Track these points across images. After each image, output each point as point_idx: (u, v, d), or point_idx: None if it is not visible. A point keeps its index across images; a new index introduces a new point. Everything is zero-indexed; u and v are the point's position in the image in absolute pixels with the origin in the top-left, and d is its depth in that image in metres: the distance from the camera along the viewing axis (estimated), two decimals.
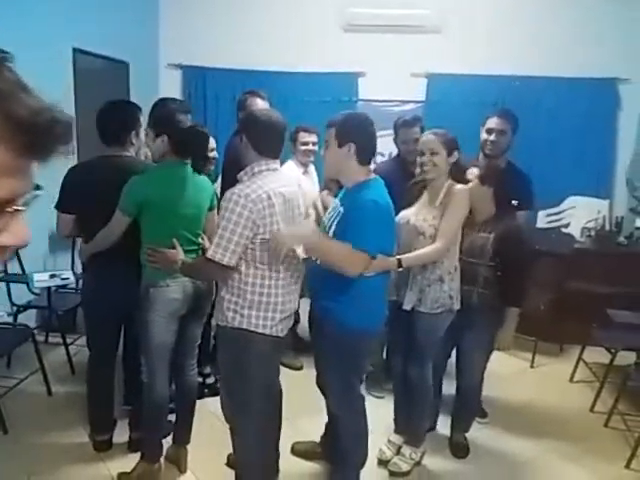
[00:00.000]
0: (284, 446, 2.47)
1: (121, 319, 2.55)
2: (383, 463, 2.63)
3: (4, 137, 0.55)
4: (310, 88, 4.93)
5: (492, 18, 4.74)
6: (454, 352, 2.75)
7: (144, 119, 2.46)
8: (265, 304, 1.99)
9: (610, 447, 2.86)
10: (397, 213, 2.37)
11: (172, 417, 2.58)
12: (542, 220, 4.56)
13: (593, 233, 4.29)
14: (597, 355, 3.50)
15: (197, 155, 2.32)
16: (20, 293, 3.45)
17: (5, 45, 3.28)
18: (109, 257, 2.36)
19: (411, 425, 2.64)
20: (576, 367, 3.58)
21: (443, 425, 2.91)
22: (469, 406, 2.80)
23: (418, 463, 2.64)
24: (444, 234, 2.30)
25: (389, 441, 2.71)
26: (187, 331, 2.45)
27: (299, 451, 2.68)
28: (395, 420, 2.76)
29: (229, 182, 2.23)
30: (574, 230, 4.36)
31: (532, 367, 3.80)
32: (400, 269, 2.27)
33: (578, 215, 4.43)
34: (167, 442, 2.57)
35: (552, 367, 3.81)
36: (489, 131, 2.99)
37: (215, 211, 2.41)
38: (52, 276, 3.26)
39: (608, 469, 2.69)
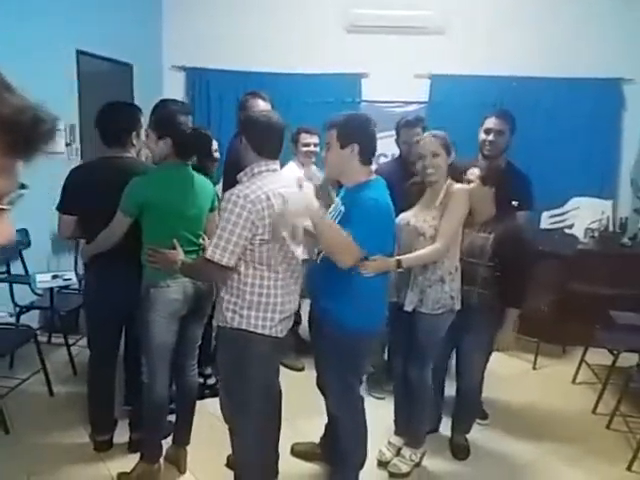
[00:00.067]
0: (284, 447, 2.47)
1: (122, 319, 2.55)
2: (383, 464, 2.63)
3: None
4: (313, 89, 4.94)
5: (495, 19, 4.73)
6: (454, 353, 2.74)
7: (144, 120, 2.47)
8: (264, 304, 1.99)
9: (612, 449, 2.84)
10: (398, 214, 2.37)
11: (172, 418, 2.59)
12: (546, 221, 4.56)
13: (597, 234, 4.27)
14: (600, 357, 3.48)
15: (202, 156, 2.33)
16: (23, 294, 3.46)
17: (9, 48, 3.31)
18: (110, 258, 2.37)
19: (411, 426, 2.63)
20: (578, 369, 3.56)
21: (444, 426, 2.90)
22: (469, 407, 2.79)
23: (418, 464, 2.63)
24: (443, 234, 2.30)
25: (389, 442, 2.71)
26: (188, 332, 2.46)
27: (299, 452, 2.68)
28: (395, 421, 2.75)
29: (230, 183, 2.24)
30: (578, 231, 4.34)
31: (534, 369, 3.79)
32: (400, 270, 2.27)
33: (582, 216, 4.42)
34: (167, 442, 2.57)
35: (554, 369, 3.79)
36: (487, 131, 2.99)
37: (216, 212, 2.42)
38: (54, 277, 3.28)
39: (610, 471, 2.67)
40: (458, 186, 2.38)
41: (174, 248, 2.15)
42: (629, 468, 2.67)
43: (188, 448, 2.58)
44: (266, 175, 1.99)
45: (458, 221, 2.34)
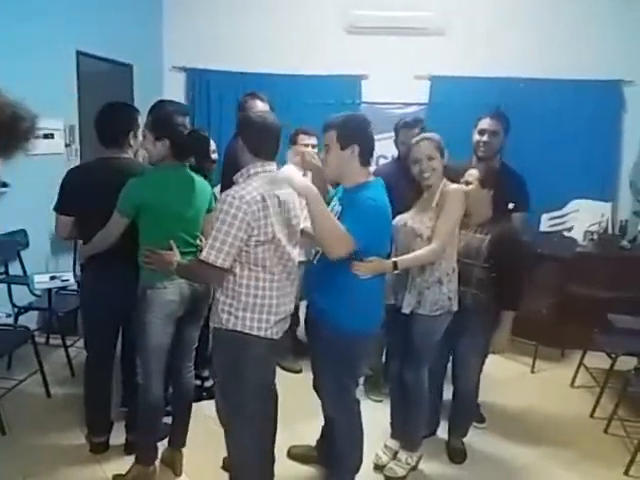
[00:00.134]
0: (280, 450, 2.45)
1: (119, 321, 2.55)
2: (379, 468, 2.62)
3: None
4: (313, 91, 4.94)
5: (495, 20, 4.73)
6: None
7: (142, 121, 2.47)
8: (260, 306, 1.99)
9: (609, 453, 2.83)
10: (397, 214, 2.37)
11: (168, 420, 2.59)
12: (545, 223, 4.55)
13: (596, 237, 4.26)
14: (599, 360, 3.47)
15: (200, 158, 2.34)
16: (22, 294, 3.46)
17: (9, 48, 3.32)
18: (107, 259, 2.37)
19: (407, 430, 2.62)
20: (577, 372, 3.55)
21: (441, 430, 2.89)
22: (466, 410, 2.78)
23: (414, 468, 2.62)
24: (439, 235, 2.29)
25: (385, 446, 2.70)
26: (184, 333, 2.46)
27: (295, 455, 2.67)
28: (392, 424, 2.74)
29: (227, 184, 2.24)
30: (577, 233, 4.33)
31: (533, 372, 3.78)
32: (396, 271, 2.26)
33: (581, 218, 4.42)
34: (163, 445, 2.57)
35: (553, 372, 3.78)
36: (481, 132, 2.98)
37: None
38: (52, 278, 3.28)
39: (607, 475, 2.67)
40: (453, 186, 2.38)
41: (170, 249, 2.15)
42: (626, 472, 2.66)
43: (184, 450, 2.58)
44: (262, 176, 1.99)
45: (454, 221, 2.34)
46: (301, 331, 3.39)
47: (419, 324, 2.41)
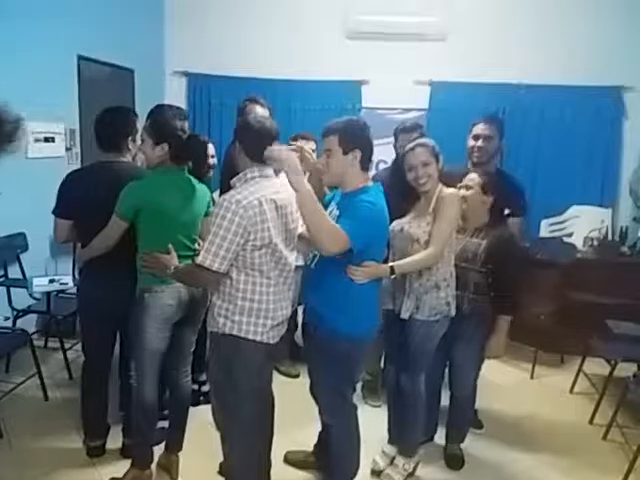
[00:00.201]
0: (277, 455, 2.45)
1: (116, 325, 2.55)
2: (376, 473, 2.61)
3: None
4: (314, 96, 4.96)
5: (496, 26, 4.74)
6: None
7: (141, 125, 2.48)
8: (256, 310, 1.99)
9: (608, 460, 2.82)
10: (395, 218, 2.36)
11: (165, 424, 2.58)
12: (545, 229, 4.54)
13: (596, 243, 4.25)
14: (598, 366, 3.46)
15: (197, 162, 2.34)
16: (21, 298, 3.47)
17: (10, 52, 3.34)
18: (105, 262, 2.37)
19: (404, 435, 2.61)
20: (576, 378, 3.54)
21: (438, 435, 2.88)
22: (463, 416, 2.77)
23: (412, 474, 2.61)
24: (436, 239, 2.29)
25: (383, 451, 2.69)
26: (181, 338, 2.46)
27: (292, 460, 2.66)
28: (389, 430, 2.73)
29: (226, 188, 2.24)
30: (577, 240, 4.32)
31: (532, 378, 3.76)
32: (393, 276, 2.26)
33: (581, 224, 4.41)
34: (159, 449, 2.57)
35: (552, 378, 3.77)
36: (476, 137, 2.98)
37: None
38: (51, 281, 3.29)
39: None
40: (449, 191, 2.38)
41: (168, 253, 2.15)
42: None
43: (180, 454, 2.58)
44: (259, 180, 1.99)
45: (450, 226, 2.33)
46: (299, 336, 3.40)
47: (416, 329, 2.40)
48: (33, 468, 2.56)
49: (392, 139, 3.30)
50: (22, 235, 3.61)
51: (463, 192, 2.53)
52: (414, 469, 2.63)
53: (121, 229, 2.29)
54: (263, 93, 3.63)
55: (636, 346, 3.15)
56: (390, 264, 2.25)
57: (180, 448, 2.57)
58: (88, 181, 2.43)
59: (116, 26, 4.31)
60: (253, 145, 1.99)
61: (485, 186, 2.53)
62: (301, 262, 2.44)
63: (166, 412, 2.65)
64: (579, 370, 3.52)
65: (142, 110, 2.66)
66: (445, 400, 2.82)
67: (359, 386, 3.18)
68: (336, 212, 2.13)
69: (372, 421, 2.73)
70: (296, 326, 3.46)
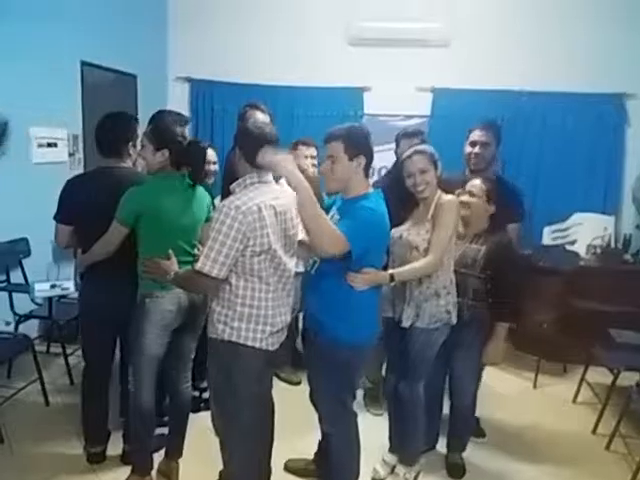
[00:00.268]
0: (277, 463, 2.44)
1: (116, 331, 2.55)
2: None
3: None
4: (316, 102, 4.96)
5: (498, 33, 4.73)
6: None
7: (142, 130, 2.48)
8: (255, 317, 1.98)
9: (611, 471, 2.79)
10: (394, 224, 2.36)
11: (165, 430, 2.57)
12: (548, 236, 4.52)
13: (599, 250, 4.24)
14: (601, 375, 3.43)
15: (195, 168, 2.35)
16: (23, 303, 3.47)
17: (14, 58, 3.36)
18: (105, 268, 2.37)
19: (404, 444, 2.60)
20: (579, 388, 3.51)
21: (440, 444, 2.86)
22: (463, 424, 2.74)
23: None
24: (435, 247, 2.28)
25: (383, 460, 2.67)
26: (181, 344, 2.45)
27: (292, 468, 2.64)
28: (390, 438, 2.71)
29: (226, 194, 2.24)
30: (580, 247, 4.30)
31: (535, 387, 3.73)
32: (392, 283, 2.25)
33: (584, 232, 4.39)
34: (159, 455, 2.56)
35: (555, 387, 3.74)
36: (473, 144, 2.98)
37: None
38: (53, 286, 3.29)
39: None
40: (448, 198, 2.37)
41: (169, 258, 2.15)
42: None
43: (180, 461, 2.57)
44: (258, 186, 1.99)
45: (449, 233, 2.32)
46: (300, 342, 3.39)
47: (416, 337, 2.39)
48: (34, 474, 2.56)
49: (394, 145, 3.31)
50: (24, 240, 3.62)
51: (466, 198, 2.53)
52: (415, 478, 2.61)
53: (122, 235, 2.30)
54: (265, 99, 3.65)
55: (639, 355, 3.13)
56: (390, 271, 2.25)
57: (180, 455, 2.56)
58: (89, 187, 2.44)
59: (119, 32, 4.33)
60: (252, 151, 1.99)
61: (490, 194, 2.53)
62: (301, 268, 2.43)
63: (166, 418, 2.65)
64: (582, 379, 3.50)
65: (145, 116, 2.66)
66: (447, 409, 2.81)
67: (360, 394, 3.17)
68: (337, 217, 2.13)
69: (373, 429, 2.72)
70: (297, 332, 3.45)
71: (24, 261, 3.64)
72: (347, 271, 2.06)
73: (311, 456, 2.65)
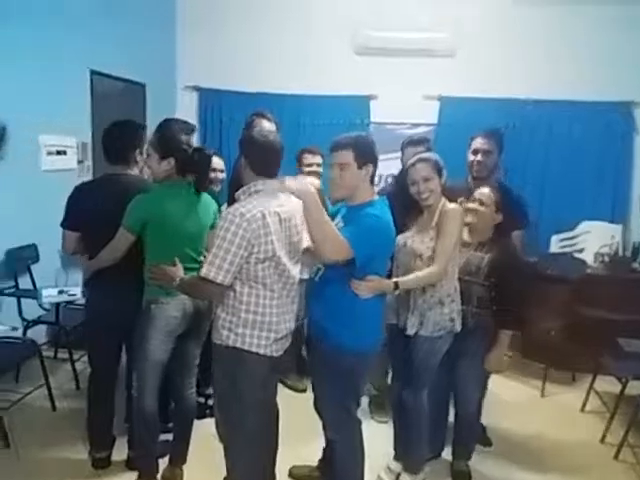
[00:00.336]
0: (282, 469, 2.44)
1: (122, 337, 2.56)
2: None
3: None
4: (323, 111, 4.98)
5: (504, 41, 4.74)
6: None
7: (148, 138, 2.51)
8: (260, 323, 1.99)
9: None
10: (399, 231, 2.36)
11: (169, 437, 2.58)
12: (555, 244, 4.50)
13: (607, 259, 4.21)
14: (609, 384, 3.40)
15: (200, 176, 2.37)
16: (32, 308, 3.50)
17: (23, 68, 3.41)
18: (112, 275, 2.39)
19: (408, 451, 2.58)
20: (587, 397, 3.48)
21: (446, 452, 2.84)
22: (468, 432, 2.72)
23: None
24: (439, 256, 2.28)
25: (388, 468, 2.66)
26: (185, 350, 2.46)
27: (297, 475, 2.64)
28: (395, 446, 2.70)
29: (232, 202, 2.26)
30: (588, 255, 4.28)
31: (542, 396, 3.70)
32: (397, 291, 2.25)
33: (592, 240, 4.37)
34: (164, 462, 2.56)
35: (563, 396, 3.71)
36: (475, 152, 2.98)
37: None
38: (60, 292, 3.32)
39: None
40: (452, 206, 2.37)
41: (174, 265, 2.17)
42: None
43: (185, 468, 2.57)
44: (263, 194, 2.00)
45: (453, 242, 2.32)
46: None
47: (420, 345, 2.38)
48: (39, 479, 2.57)
49: (400, 154, 3.31)
50: (33, 246, 3.66)
51: (475, 206, 2.52)
52: None
53: (128, 242, 2.32)
54: (272, 108, 3.67)
55: None
56: (394, 280, 2.25)
57: (184, 461, 2.57)
58: (96, 194, 2.46)
59: (128, 41, 4.38)
60: (258, 159, 2.01)
61: (498, 204, 2.53)
62: (306, 275, 2.44)
63: (171, 425, 2.65)
64: (590, 388, 3.47)
65: (153, 124, 2.68)
66: (452, 417, 2.79)
67: (365, 401, 3.16)
68: (341, 225, 2.13)
69: (378, 436, 2.72)
70: (303, 339, 3.44)
71: (32, 267, 3.67)
72: (351, 278, 2.06)
73: (315, 463, 2.64)
